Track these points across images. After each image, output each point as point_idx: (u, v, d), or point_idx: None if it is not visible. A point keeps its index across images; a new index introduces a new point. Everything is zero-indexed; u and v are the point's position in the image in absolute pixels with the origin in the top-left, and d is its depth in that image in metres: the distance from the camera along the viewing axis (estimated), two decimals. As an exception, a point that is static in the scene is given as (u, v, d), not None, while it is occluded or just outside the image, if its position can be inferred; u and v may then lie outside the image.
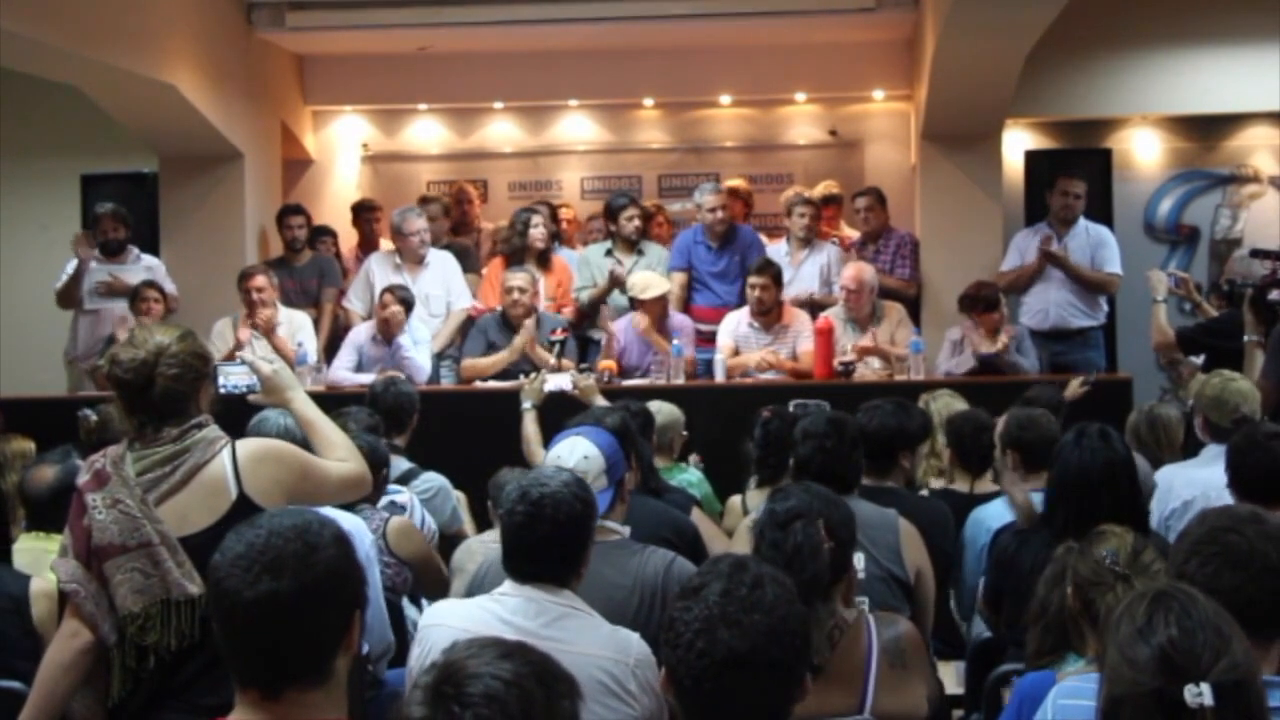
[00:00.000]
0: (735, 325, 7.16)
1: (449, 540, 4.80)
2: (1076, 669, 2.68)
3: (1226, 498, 3.65)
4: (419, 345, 7.04)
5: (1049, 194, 7.71)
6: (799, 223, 7.76)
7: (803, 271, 7.65)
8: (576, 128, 9.66)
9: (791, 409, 5.09)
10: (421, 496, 4.75)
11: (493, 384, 6.85)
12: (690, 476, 5.17)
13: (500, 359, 6.95)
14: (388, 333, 7.01)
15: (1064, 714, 2.31)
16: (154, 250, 8.20)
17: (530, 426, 5.34)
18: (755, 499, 4.50)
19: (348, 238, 8.78)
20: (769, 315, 7.07)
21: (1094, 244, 7.58)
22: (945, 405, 5.27)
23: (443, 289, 7.58)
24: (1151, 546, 2.82)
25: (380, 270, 7.62)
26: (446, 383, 7.25)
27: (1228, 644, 1.88)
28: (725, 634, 2.00)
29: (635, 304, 7.17)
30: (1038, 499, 3.73)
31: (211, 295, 7.79)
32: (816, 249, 7.76)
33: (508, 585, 2.83)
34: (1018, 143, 9.04)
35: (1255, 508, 2.55)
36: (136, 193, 8.65)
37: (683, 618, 2.05)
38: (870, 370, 6.93)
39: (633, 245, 7.67)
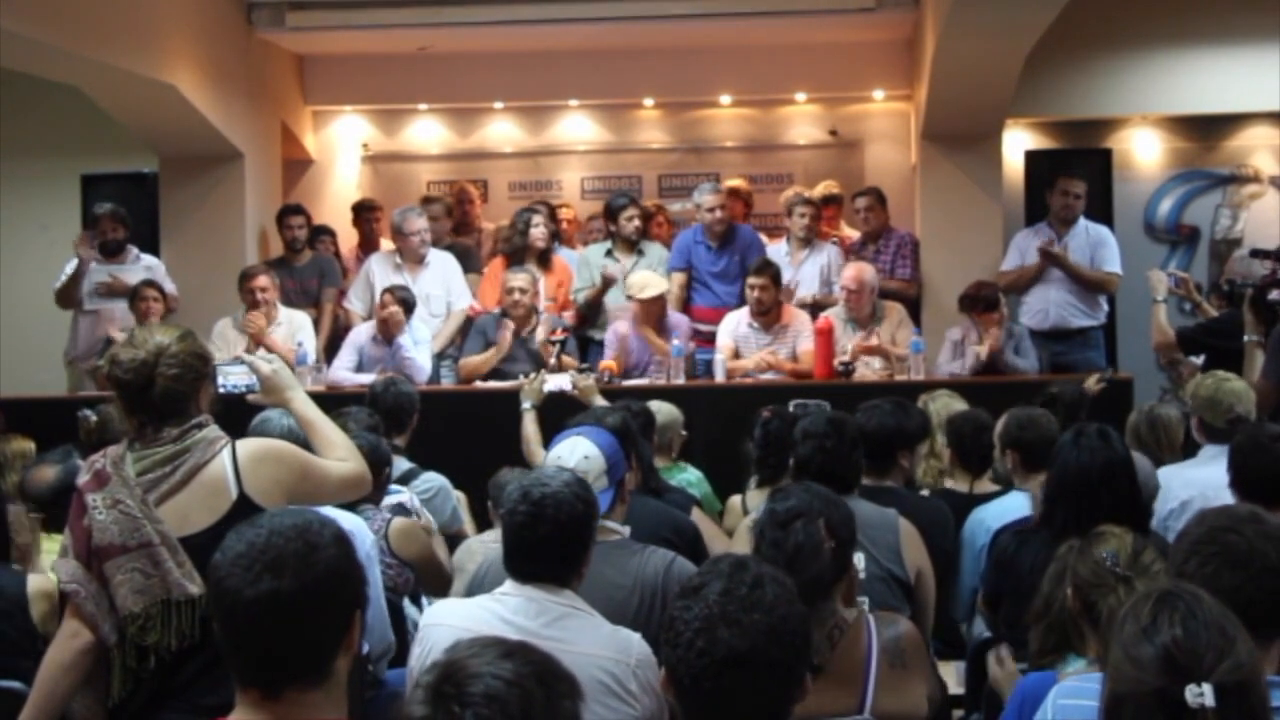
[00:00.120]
0: (735, 325, 7.15)
1: (449, 540, 4.80)
2: (1077, 669, 2.68)
3: (1225, 498, 3.63)
4: (419, 345, 7.03)
5: (1049, 194, 7.71)
6: (799, 223, 7.75)
7: (803, 272, 7.65)
8: (576, 128, 9.66)
9: (791, 409, 5.09)
10: (421, 497, 4.75)
11: (493, 384, 6.86)
12: (690, 476, 5.17)
13: (490, 356, 6.97)
14: (388, 333, 7.00)
15: (1064, 714, 2.31)
16: (154, 250, 8.19)
17: (530, 426, 5.35)
18: (755, 499, 4.50)
19: (348, 238, 8.78)
20: (769, 315, 7.06)
21: (1094, 244, 7.58)
22: (945, 405, 5.27)
23: (443, 289, 7.58)
24: (1151, 547, 2.81)
25: (380, 270, 7.62)
26: (446, 383, 7.25)
27: (1232, 645, 1.87)
28: (725, 633, 2.00)
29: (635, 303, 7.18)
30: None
31: (211, 295, 7.79)
32: (816, 249, 7.76)
33: (509, 585, 2.83)
34: (1018, 143, 9.03)
35: (1255, 507, 2.55)
36: (136, 193, 8.65)
37: (683, 617, 2.05)
38: (870, 370, 6.92)
39: (633, 245, 7.67)
